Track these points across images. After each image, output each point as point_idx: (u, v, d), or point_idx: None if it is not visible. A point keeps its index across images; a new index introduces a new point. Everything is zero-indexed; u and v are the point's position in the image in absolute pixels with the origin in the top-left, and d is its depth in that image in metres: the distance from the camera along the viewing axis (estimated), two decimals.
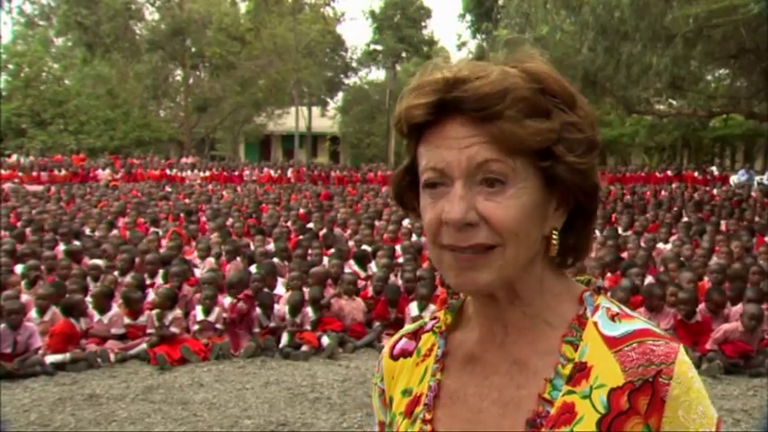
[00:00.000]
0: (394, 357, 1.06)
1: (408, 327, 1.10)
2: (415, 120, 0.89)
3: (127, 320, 6.67)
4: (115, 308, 6.74)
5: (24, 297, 6.67)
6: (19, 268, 7.83)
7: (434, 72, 0.89)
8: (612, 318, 0.93)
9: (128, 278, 7.50)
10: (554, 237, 0.92)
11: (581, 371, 0.89)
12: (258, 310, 6.92)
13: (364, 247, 9.61)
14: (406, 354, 1.05)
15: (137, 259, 8.35)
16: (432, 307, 6.55)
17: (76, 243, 9.59)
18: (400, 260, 8.62)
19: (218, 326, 6.72)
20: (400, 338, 1.08)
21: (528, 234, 0.88)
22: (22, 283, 7.30)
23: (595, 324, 0.92)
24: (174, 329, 6.51)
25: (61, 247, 9.47)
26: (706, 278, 7.49)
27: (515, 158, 0.86)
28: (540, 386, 0.90)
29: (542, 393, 0.89)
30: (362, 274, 8.32)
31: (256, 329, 6.84)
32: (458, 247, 0.87)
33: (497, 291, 0.92)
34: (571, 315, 0.94)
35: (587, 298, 0.95)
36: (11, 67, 34.19)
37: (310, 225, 11.90)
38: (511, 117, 0.84)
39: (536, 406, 0.89)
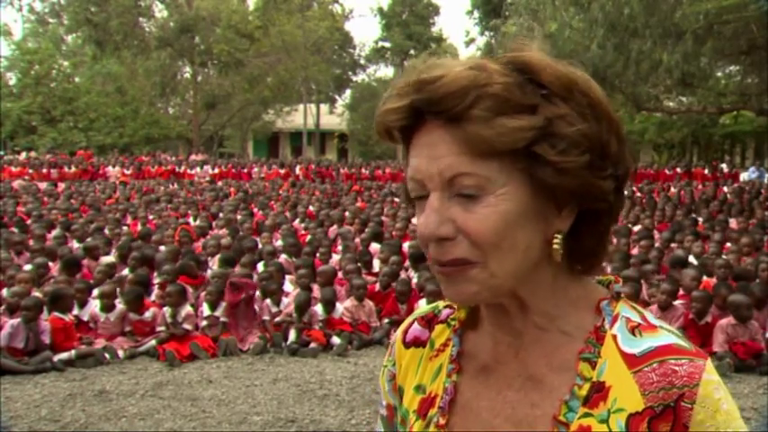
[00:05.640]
0: (406, 345, 1.02)
1: (422, 310, 1.06)
2: (392, 125, 0.85)
3: (133, 316, 6.69)
4: (120, 306, 6.76)
5: (35, 294, 6.70)
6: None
7: (411, 74, 0.84)
8: (633, 330, 0.87)
9: (132, 274, 7.54)
10: (555, 241, 0.84)
11: (599, 391, 0.84)
12: (268, 301, 6.98)
13: (373, 245, 9.65)
14: (418, 343, 1.01)
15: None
16: (441, 304, 6.51)
17: (89, 240, 9.63)
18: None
19: (223, 319, 6.76)
20: (413, 322, 1.04)
21: (513, 244, 0.81)
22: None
23: (614, 338, 0.86)
24: (186, 326, 6.55)
25: (74, 244, 9.52)
26: (711, 275, 7.46)
27: (490, 163, 0.79)
28: (556, 407, 0.85)
29: (558, 415, 0.84)
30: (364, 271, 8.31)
31: (266, 317, 6.89)
32: (439, 261, 0.83)
33: (499, 300, 0.87)
34: (588, 325, 0.88)
35: (605, 307, 0.89)
36: (22, 64, 34.39)
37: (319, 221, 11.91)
38: (477, 117, 0.78)
39: (551, 428, 0.84)
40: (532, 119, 0.79)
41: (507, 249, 0.81)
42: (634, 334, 0.86)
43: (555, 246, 0.85)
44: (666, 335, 0.86)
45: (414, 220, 11.62)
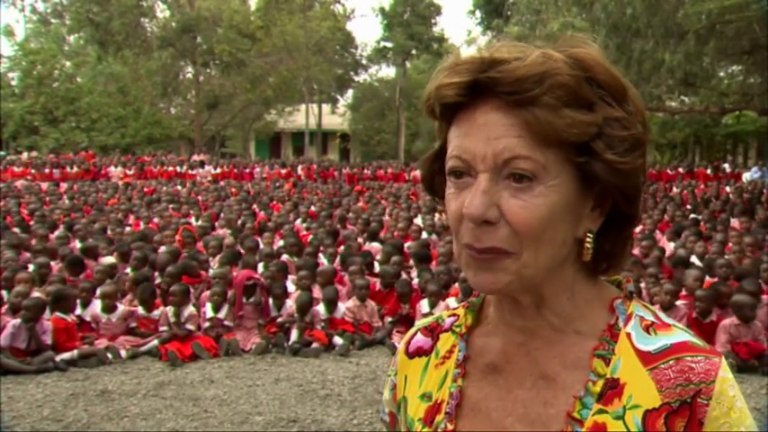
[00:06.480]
0: (409, 355, 1.01)
1: (424, 320, 1.05)
2: (446, 100, 0.83)
3: (143, 312, 6.70)
4: (122, 307, 6.76)
5: (36, 294, 6.71)
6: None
7: (459, 54, 0.84)
8: (647, 329, 0.87)
9: (136, 274, 7.54)
10: (588, 240, 0.85)
11: (613, 388, 0.84)
12: (270, 301, 7.01)
13: (373, 243, 9.64)
14: (421, 352, 1.00)
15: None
16: (442, 304, 6.56)
17: (91, 240, 9.63)
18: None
19: (227, 322, 6.76)
20: (416, 333, 1.03)
21: (553, 237, 0.81)
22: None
23: (628, 336, 0.87)
24: (189, 326, 6.56)
25: (77, 244, 9.53)
26: (714, 276, 7.45)
27: (548, 151, 0.79)
28: (569, 404, 0.84)
29: (571, 412, 0.84)
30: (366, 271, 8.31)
31: (260, 321, 6.91)
32: (474, 248, 0.82)
33: (521, 295, 0.87)
34: (602, 324, 0.88)
35: (618, 306, 0.89)
36: (24, 64, 34.42)
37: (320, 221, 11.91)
38: (547, 104, 0.78)
39: (565, 426, 0.84)
40: (594, 115, 0.80)
41: (546, 242, 0.81)
42: (648, 332, 0.87)
43: (587, 244, 0.85)
44: (681, 333, 0.87)
45: (416, 220, 11.63)
